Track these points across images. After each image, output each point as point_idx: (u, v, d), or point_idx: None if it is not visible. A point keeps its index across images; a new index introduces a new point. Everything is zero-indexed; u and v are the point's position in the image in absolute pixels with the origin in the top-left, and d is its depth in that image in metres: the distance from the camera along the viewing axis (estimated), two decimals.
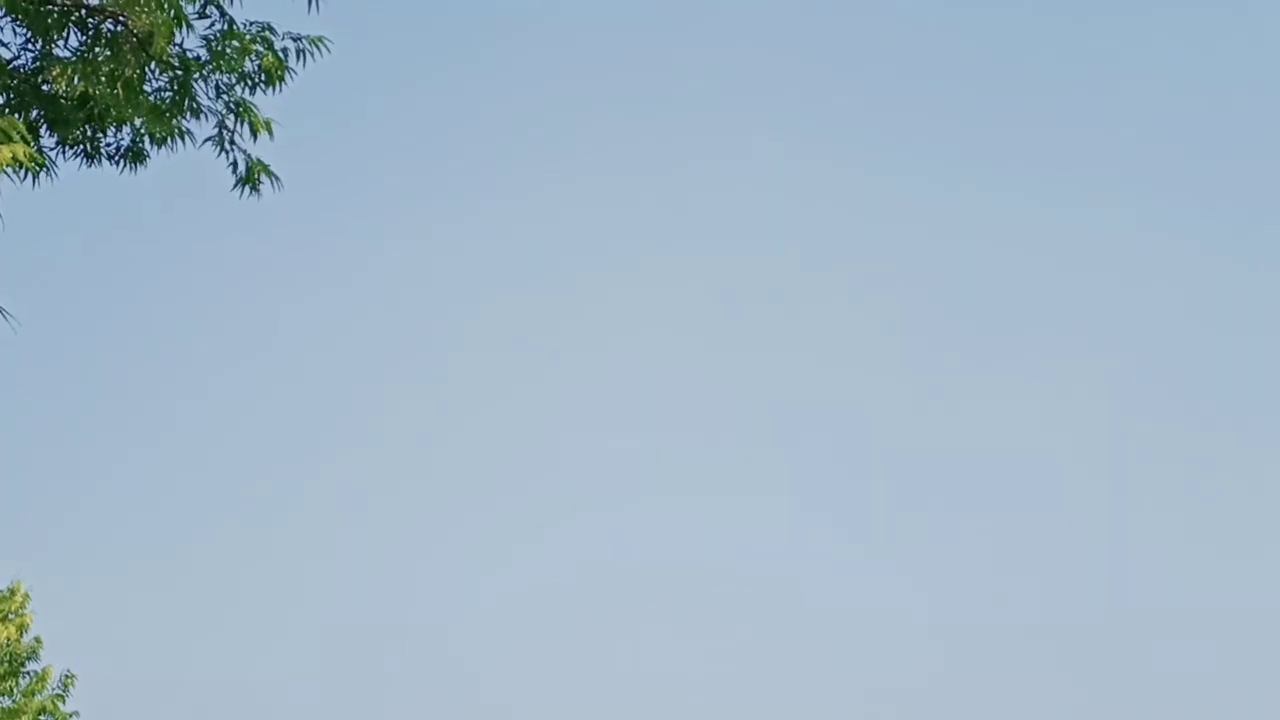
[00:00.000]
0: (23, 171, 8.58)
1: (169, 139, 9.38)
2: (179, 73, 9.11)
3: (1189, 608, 31.77)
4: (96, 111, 8.97)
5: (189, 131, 9.39)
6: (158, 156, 9.56)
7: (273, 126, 9.50)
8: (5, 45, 8.77)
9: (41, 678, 18.05)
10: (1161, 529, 33.58)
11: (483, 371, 40.23)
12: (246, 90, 9.30)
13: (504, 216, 40.54)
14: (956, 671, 31.26)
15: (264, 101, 9.44)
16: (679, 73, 39.98)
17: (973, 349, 37.90)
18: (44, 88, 8.94)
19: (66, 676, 18.20)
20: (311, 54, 9.28)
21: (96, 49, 8.82)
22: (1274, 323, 35.69)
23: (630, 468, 38.12)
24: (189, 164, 9.62)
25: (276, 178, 9.58)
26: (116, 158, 9.56)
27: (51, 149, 9.28)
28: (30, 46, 8.91)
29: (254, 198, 9.54)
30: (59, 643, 18.74)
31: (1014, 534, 34.92)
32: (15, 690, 17.89)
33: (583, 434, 38.96)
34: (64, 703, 18.08)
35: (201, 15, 9.05)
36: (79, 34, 8.85)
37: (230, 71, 9.19)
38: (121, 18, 8.63)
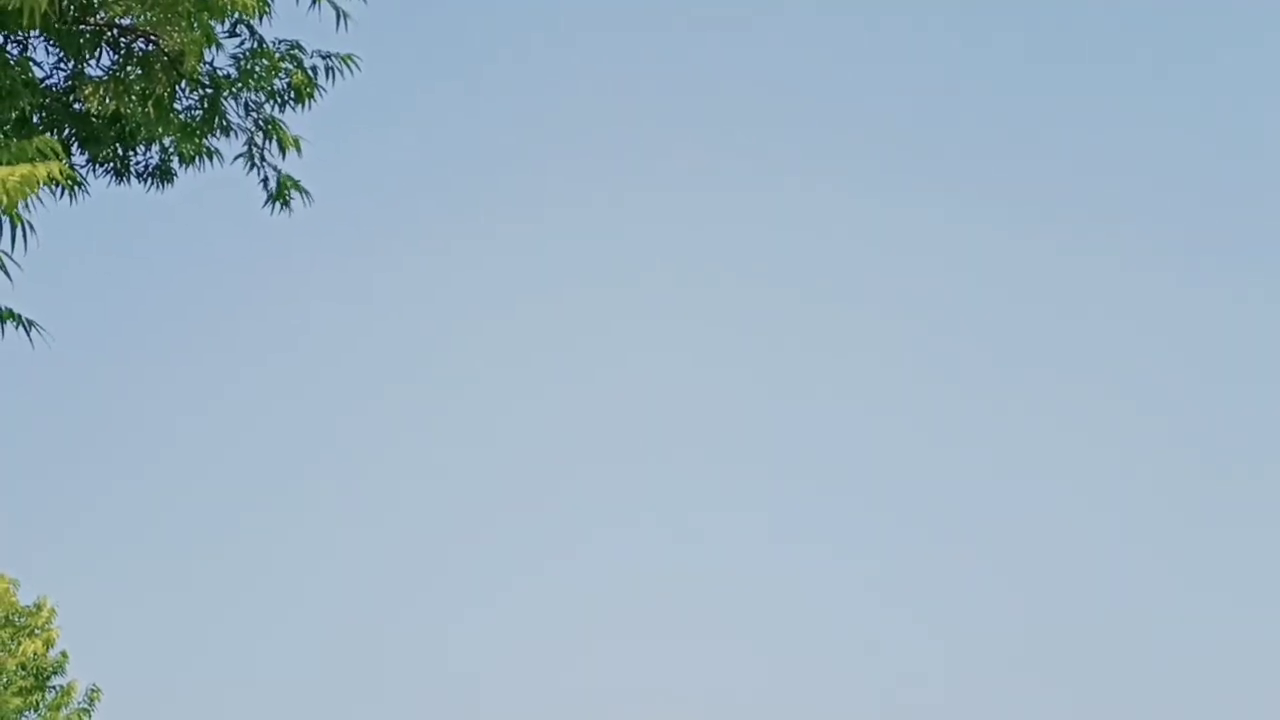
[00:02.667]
0: (59, 190, 8.65)
1: (197, 158, 9.45)
2: (209, 91, 9.19)
3: (1178, 625, 32.67)
4: (127, 130, 9.05)
5: (217, 151, 9.46)
6: (186, 173, 9.64)
7: (301, 144, 9.56)
8: (38, 64, 8.86)
9: (67, 692, 18.13)
10: (1149, 547, 34.65)
11: (491, 388, 40.53)
12: (276, 108, 9.37)
13: (520, 237, 40.98)
14: (953, 685, 31.95)
15: (290, 116, 9.50)
16: (700, 104, 40.51)
17: (971, 379, 38.80)
18: (76, 106, 9.03)
19: (92, 691, 18.28)
20: (340, 72, 9.34)
21: (128, 68, 8.90)
22: (1251, 355, 36.97)
23: (636, 483, 38.42)
24: (216, 179, 9.69)
25: (307, 193, 9.64)
26: (145, 176, 9.64)
27: (82, 167, 9.36)
28: (63, 66, 8.99)
29: (285, 213, 9.60)
30: (86, 658, 18.83)
31: (1006, 551, 35.80)
32: (41, 705, 17.97)
33: (589, 449, 39.27)
34: (89, 717, 18.16)
35: (231, 34, 9.12)
36: (111, 53, 8.94)
37: (259, 89, 9.26)
38: (153, 37, 8.71)
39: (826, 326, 38.67)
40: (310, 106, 9.40)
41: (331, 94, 9.44)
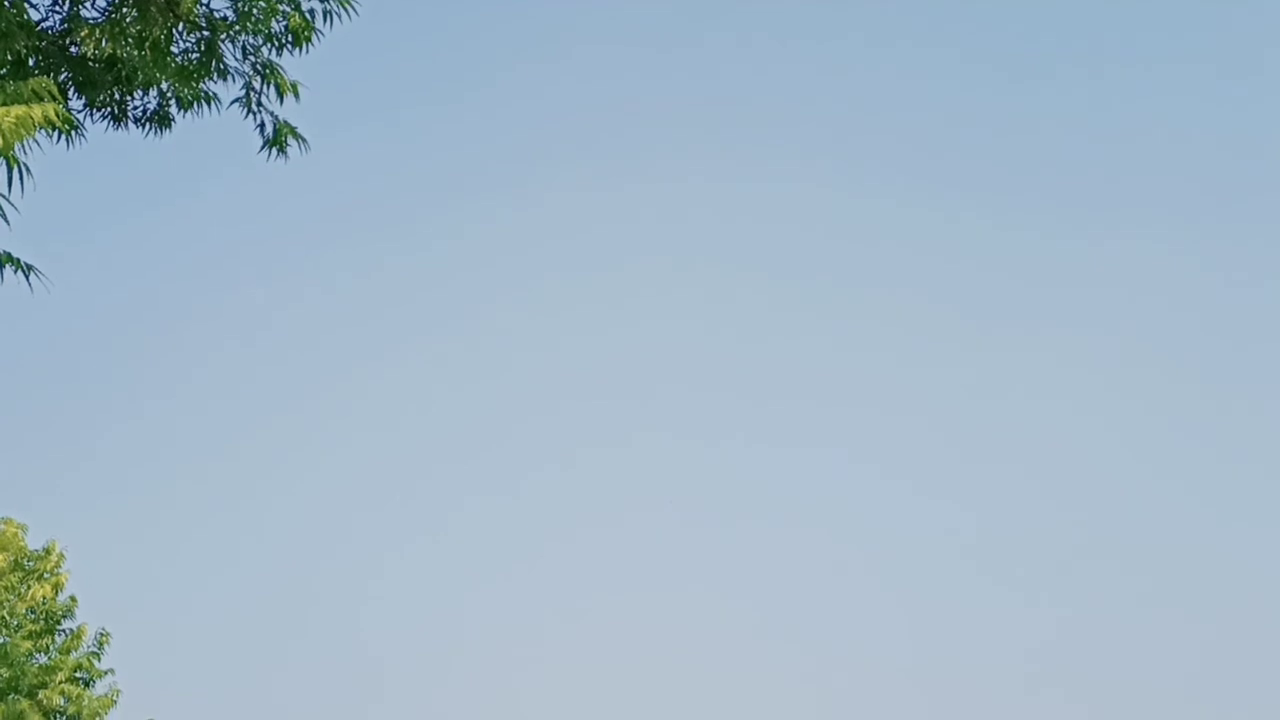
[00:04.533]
0: (56, 134, 8.62)
1: (195, 102, 9.39)
2: (206, 34, 9.12)
3: (1180, 527, 37.42)
4: (124, 73, 8.99)
5: (215, 96, 9.40)
6: (185, 125, 9.59)
7: (299, 89, 9.50)
8: (34, 6, 8.79)
9: (77, 635, 18.30)
10: (1145, 455, 39.43)
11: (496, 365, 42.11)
12: (273, 52, 9.29)
13: (531, 227, 43.05)
14: (993, 596, 35.27)
15: (288, 61, 9.42)
16: (699, 105, 42.87)
17: (990, 340, 42.01)
18: (72, 50, 8.96)
19: (101, 634, 18.45)
20: (338, 15, 9.26)
21: (124, 10, 8.83)
22: (1238, 316, 41.12)
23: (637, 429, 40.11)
24: (220, 144, 9.66)
25: (304, 140, 9.58)
26: (143, 121, 9.59)
27: (79, 111, 9.31)
28: (59, 8, 8.93)
29: (281, 160, 9.56)
30: (94, 602, 19.04)
31: (1035, 474, 39.38)
32: (51, 648, 18.16)
33: (583, 404, 40.87)
34: (99, 660, 18.35)
35: None
36: None
37: (257, 33, 9.18)
38: None
39: (824, 310, 41.13)
40: (307, 50, 9.33)
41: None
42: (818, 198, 41.74)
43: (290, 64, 9.40)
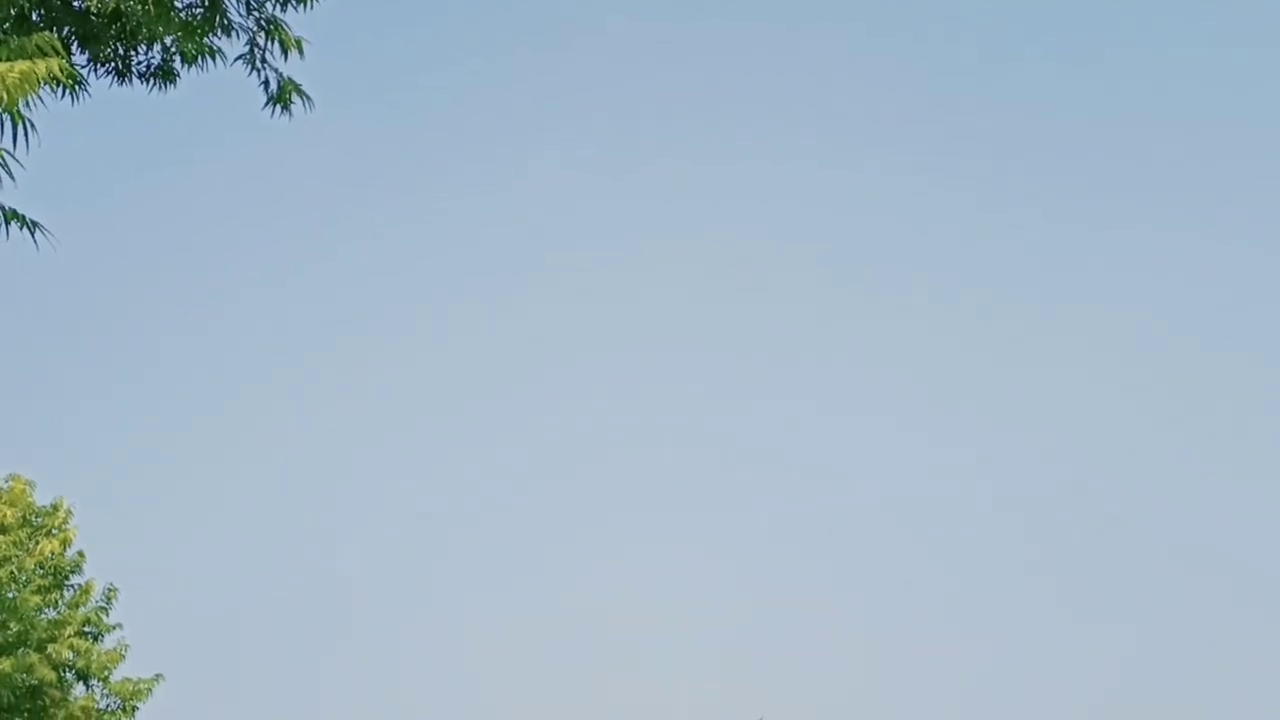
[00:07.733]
0: (60, 89, 8.59)
1: (200, 57, 9.34)
2: None
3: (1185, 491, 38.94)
4: (128, 28, 8.94)
5: (219, 50, 9.34)
6: (188, 74, 9.54)
7: (303, 45, 9.44)
8: None
9: (85, 590, 18.43)
10: (1164, 425, 40.89)
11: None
12: (278, 7, 9.24)
13: (528, 203, 44.29)
14: (1016, 542, 36.60)
15: (299, 25, 9.36)
16: (701, 89, 43.53)
17: (1005, 319, 43.15)
18: (75, 4, 8.91)
19: (109, 589, 18.58)
20: None
21: None
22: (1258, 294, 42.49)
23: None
24: (224, 107, 9.61)
25: (308, 97, 9.54)
26: (147, 76, 9.54)
27: (83, 67, 9.26)
28: None
29: (285, 117, 9.53)
30: (102, 557, 19.17)
31: (1053, 446, 40.52)
32: (60, 603, 18.30)
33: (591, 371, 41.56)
34: (107, 615, 18.49)
35: None
36: None
37: None
38: None
39: (825, 289, 42.54)
40: (312, 6, 9.28)
41: (339, 58, 9.31)
42: (819, 178, 42.67)
43: (295, 22, 9.35)
